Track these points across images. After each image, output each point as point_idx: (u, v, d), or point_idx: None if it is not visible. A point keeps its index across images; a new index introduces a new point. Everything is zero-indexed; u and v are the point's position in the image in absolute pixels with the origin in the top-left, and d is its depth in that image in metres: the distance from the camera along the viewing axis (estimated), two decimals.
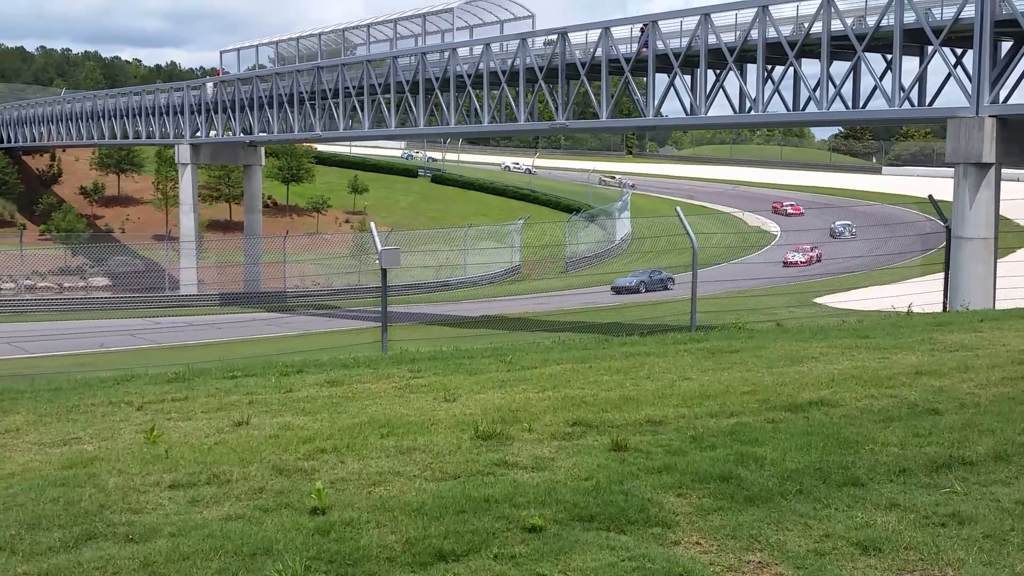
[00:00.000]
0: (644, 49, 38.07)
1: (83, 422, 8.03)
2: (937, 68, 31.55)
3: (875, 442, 6.92)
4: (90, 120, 69.78)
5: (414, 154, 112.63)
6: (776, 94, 35.78)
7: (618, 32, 39.78)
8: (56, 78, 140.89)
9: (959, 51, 31.66)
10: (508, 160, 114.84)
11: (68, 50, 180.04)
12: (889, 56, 32.11)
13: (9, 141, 78.92)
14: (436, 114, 47.87)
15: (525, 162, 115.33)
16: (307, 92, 53.19)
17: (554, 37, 41.81)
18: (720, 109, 39.33)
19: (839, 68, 34.04)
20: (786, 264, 60.59)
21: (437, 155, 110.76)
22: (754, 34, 34.51)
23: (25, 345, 38.59)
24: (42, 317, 43.28)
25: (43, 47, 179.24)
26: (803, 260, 61.24)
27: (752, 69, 36.06)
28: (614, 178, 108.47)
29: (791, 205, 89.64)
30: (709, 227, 75.28)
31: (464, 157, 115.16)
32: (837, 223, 75.06)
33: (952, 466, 6.41)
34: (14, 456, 6.90)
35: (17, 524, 5.38)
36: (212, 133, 61.33)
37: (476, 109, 45.54)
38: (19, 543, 5.12)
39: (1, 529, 5.30)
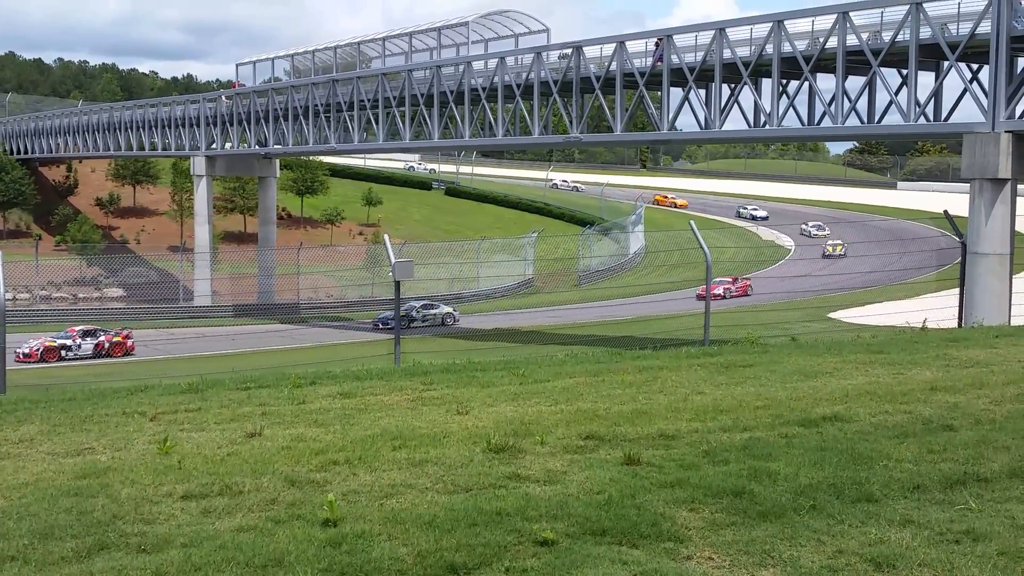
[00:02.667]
0: (659, 63, 38.13)
1: (96, 432, 8.04)
2: (953, 84, 31.54)
3: (889, 458, 6.88)
4: (106, 132, 70.16)
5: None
6: (791, 108, 35.82)
7: (633, 46, 39.86)
8: (73, 90, 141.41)
9: (975, 67, 31.61)
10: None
11: (86, 62, 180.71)
12: (905, 71, 32.07)
13: (26, 152, 79.27)
14: (451, 127, 48.00)
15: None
16: (322, 105, 53.44)
17: (569, 51, 41.91)
18: (734, 123, 39.33)
19: (854, 83, 34.08)
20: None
21: (451, 168, 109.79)
22: (769, 49, 34.54)
23: None
24: (57, 327, 43.47)
25: (61, 59, 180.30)
26: None
27: (767, 83, 36.09)
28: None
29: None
30: (723, 241, 75.18)
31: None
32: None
33: (967, 483, 6.38)
34: (28, 466, 6.91)
35: (30, 534, 5.39)
36: (227, 145, 61.59)
37: (491, 122, 45.64)
38: (32, 552, 5.13)
39: (14, 539, 5.32)
